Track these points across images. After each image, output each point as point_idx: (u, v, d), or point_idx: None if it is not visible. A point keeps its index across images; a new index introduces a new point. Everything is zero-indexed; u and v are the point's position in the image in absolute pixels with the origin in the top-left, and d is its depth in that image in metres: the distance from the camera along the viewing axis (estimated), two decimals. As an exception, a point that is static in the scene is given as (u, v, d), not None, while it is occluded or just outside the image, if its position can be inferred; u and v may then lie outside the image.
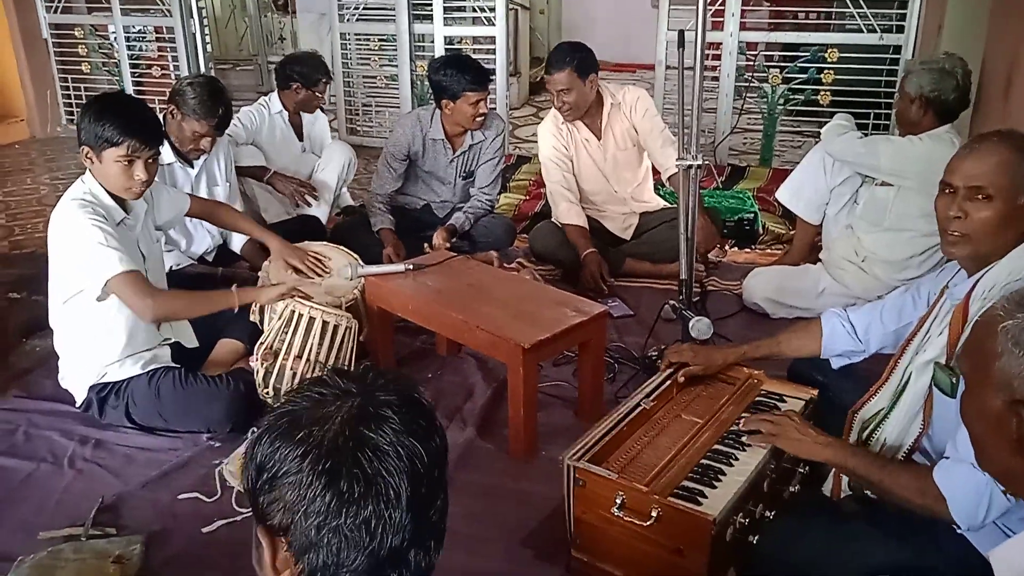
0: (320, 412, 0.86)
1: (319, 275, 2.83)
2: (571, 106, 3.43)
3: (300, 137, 3.99)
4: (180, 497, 2.21)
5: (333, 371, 0.93)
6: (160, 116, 2.69)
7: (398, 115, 5.48)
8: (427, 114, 3.59)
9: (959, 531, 1.55)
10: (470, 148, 3.62)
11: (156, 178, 2.49)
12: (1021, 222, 1.66)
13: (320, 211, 3.89)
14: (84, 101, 6.09)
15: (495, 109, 5.47)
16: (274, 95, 3.93)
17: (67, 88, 6.19)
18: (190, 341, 2.70)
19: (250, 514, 0.92)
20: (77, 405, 2.54)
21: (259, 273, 2.86)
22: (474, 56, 5.55)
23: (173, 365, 2.55)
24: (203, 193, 3.22)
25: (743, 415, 2.03)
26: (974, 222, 1.70)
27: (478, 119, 3.45)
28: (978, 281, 1.69)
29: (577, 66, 3.35)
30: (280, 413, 0.88)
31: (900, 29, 4.62)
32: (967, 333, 1.13)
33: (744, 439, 1.93)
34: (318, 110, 4.07)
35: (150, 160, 2.36)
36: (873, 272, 3.08)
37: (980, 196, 1.68)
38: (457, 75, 3.38)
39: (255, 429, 0.91)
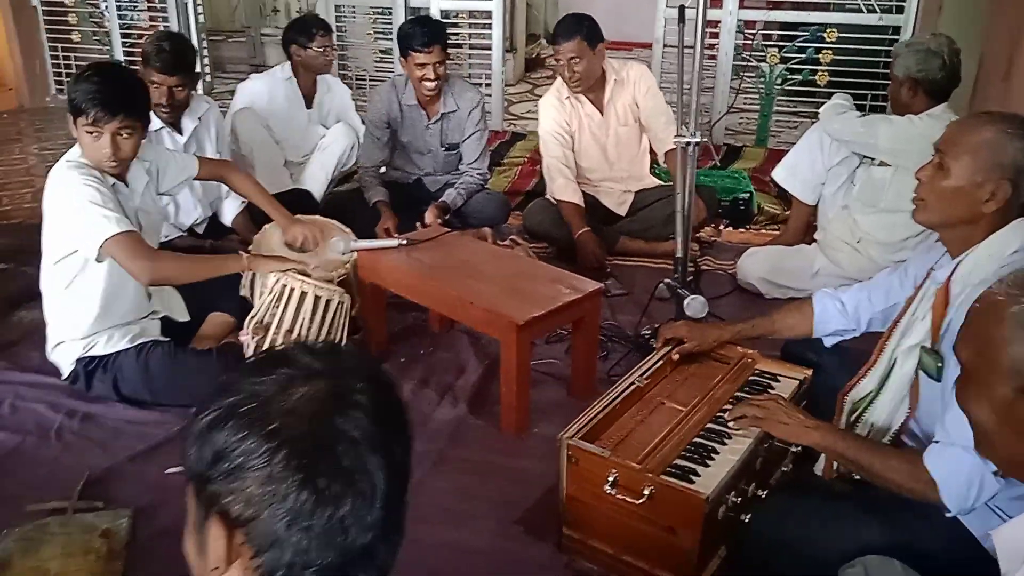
0: (289, 399, 0.80)
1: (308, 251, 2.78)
2: (580, 76, 3.38)
3: (309, 105, 3.91)
4: (168, 471, 2.19)
5: (298, 346, 0.86)
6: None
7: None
8: (402, 80, 3.56)
9: (949, 515, 1.55)
10: (443, 116, 3.57)
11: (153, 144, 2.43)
12: (976, 204, 1.64)
13: (315, 189, 3.84)
14: (74, 71, 6.03)
15: (475, 82, 5.42)
16: (287, 63, 3.87)
17: (56, 58, 6.08)
18: (181, 314, 2.67)
19: None
20: (64, 378, 2.51)
21: (250, 248, 2.82)
22: (470, 31, 5.54)
23: (162, 339, 2.52)
24: None
25: (737, 393, 2.02)
26: (929, 187, 1.71)
27: (426, 83, 3.38)
28: (959, 264, 1.68)
29: (586, 35, 3.32)
30: (245, 397, 0.80)
31: (900, 10, 4.57)
32: (966, 319, 1.09)
33: (731, 425, 1.91)
34: (335, 81, 4.01)
35: (123, 135, 2.28)
36: (868, 253, 3.07)
37: (942, 164, 1.68)
38: (408, 32, 3.34)
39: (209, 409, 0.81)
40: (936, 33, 3.12)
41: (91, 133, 2.26)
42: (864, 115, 3.24)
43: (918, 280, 1.88)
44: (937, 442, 1.57)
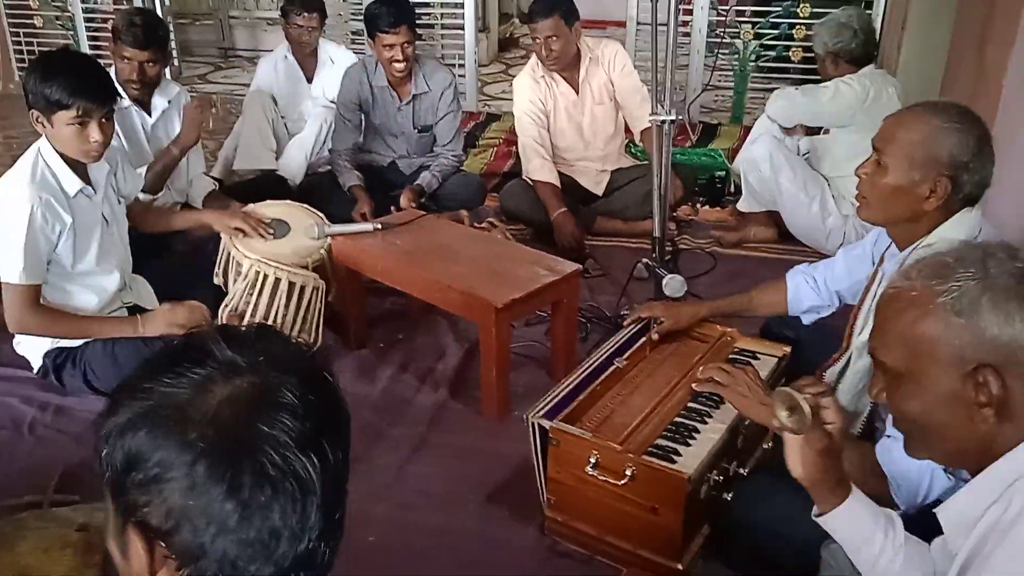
0: (209, 403, 0.73)
1: (264, 236, 2.71)
2: (557, 54, 3.35)
3: (310, 80, 3.97)
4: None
5: (220, 334, 0.78)
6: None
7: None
8: (372, 61, 3.51)
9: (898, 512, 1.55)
10: (415, 98, 3.52)
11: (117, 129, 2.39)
12: (917, 201, 1.63)
13: (293, 172, 3.81)
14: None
15: (448, 63, 5.36)
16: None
17: (19, 44, 5.95)
18: (151, 304, 2.62)
19: None
20: (34, 372, 2.47)
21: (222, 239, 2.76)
22: (441, 11, 5.48)
23: (130, 328, 2.47)
24: (158, 145, 3.13)
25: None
26: (870, 186, 1.70)
27: (395, 64, 3.33)
28: (905, 260, 1.67)
29: (563, 13, 3.30)
30: (160, 402, 0.74)
31: (872, -17, 4.58)
32: (880, 325, 1.07)
33: (694, 385, 1.92)
34: (339, 53, 4.02)
35: (104, 120, 2.25)
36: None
37: (879, 161, 1.67)
38: (375, 13, 3.29)
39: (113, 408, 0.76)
40: (846, 8, 3.31)
41: (76, 125, 2.20)
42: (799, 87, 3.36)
43: (876, 257, 1.88)
44: (888, 436, 1.57)
